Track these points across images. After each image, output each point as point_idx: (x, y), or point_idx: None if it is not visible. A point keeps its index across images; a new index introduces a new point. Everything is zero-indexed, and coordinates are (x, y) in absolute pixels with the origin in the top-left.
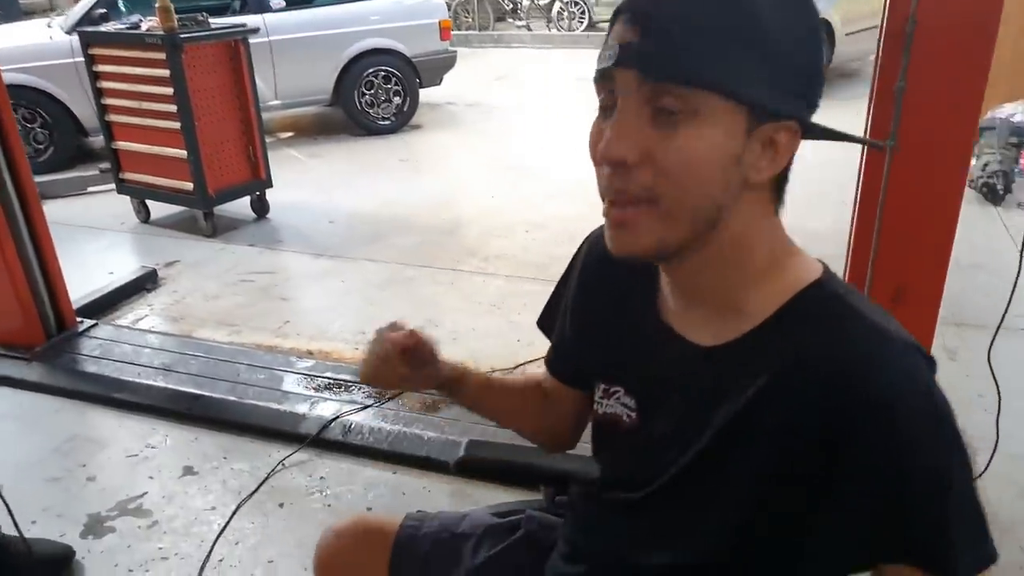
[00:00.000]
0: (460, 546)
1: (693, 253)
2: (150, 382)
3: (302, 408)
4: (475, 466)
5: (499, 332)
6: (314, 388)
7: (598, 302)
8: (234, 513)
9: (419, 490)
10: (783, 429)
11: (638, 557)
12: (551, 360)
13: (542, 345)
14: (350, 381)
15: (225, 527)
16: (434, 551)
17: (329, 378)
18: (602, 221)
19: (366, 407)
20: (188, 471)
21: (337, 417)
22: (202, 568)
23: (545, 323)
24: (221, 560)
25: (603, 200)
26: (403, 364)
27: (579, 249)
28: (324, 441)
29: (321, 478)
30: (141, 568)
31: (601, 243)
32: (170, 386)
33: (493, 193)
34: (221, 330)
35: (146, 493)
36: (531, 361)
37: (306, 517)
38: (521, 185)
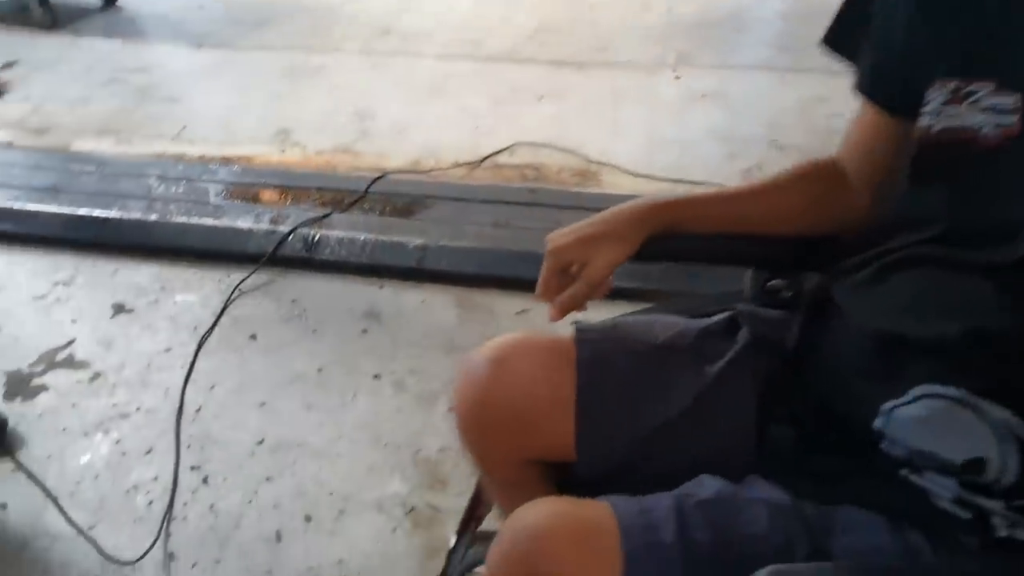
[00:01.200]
0: (666, 359)
1: None
2: (36, 207)
3: (245, 223)
4: (667, 252)
5: (451, 120)
6: (251, 198)
7: None
8: (197, 352)
9: (418, 304)
10: None
11: None
12: (867, 83)
13: (506, 134)
14: (291, 187)
15: (191, 371)
16: (638, 369)
17: (266, 184)
18: None
19: (326, 216)
20: (120, 309)
21: (295, 229)
22: (178, 422)
23: (839, 39)
24: (199, 410)
25: None
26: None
27: None
28: (283, 259)
29: (293, 301)
30: (99, 429)
31: None
32: (64, 210)
33: None
34: (104, 140)
35: (74, 340)
36: (498, 152)
37: (291, 346)
38: None
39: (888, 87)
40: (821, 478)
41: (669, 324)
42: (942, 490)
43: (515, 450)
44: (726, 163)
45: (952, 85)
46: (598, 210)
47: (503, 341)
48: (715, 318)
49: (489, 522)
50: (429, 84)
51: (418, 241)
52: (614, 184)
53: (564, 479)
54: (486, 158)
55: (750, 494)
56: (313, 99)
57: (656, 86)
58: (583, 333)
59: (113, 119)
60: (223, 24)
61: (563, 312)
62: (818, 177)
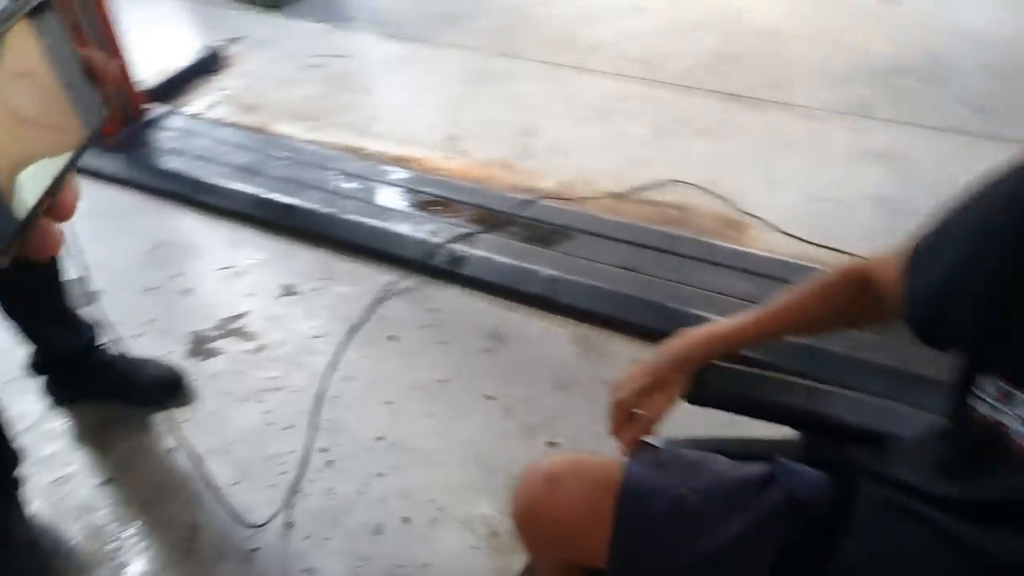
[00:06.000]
0: (703, 509)
1: None
2: (237, 186)
3: (404, 228)
4: (710, 399)
5: (606, 146)
6: (413, 205)
7: None
8: (346, 344)
9: (540, 333)
10: None
11: None
12: (908, 307)
13: (661, 168)
14: (449, 199)
15: (337, 360)
16: (672, 513)
17: (428, 195)
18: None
19: (475, 233)
20: (288, 291)
21: (446, 243)
22: (318, 405)
23: (921, 256)
24: (336, 397)
25: None
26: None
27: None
28: (431, 268)
29: (430, 310)
30: (255, 398)
31: None
32: (259, 192)
33: None
34: (299, 125)
35: (248, 313)
36: (648, 188)
37: (419, 355)
38: None
39: (921, 326)
40: None
41: (715, 469)
42: None
43: (559, 555)
44: (885, 235)
45: (1004, 387)
46: (729, 268)
47: (560, 460)
48: (756, 469)
49: None
50: (596, 104)
51: (551, 271)
52: (758, 241)
53: None
54: (635, 190)
55: None
56: (486, 106)
57: (828, 135)
58: (631, 465)
59: (310, 105)
60: (417, 15)
61: (631, 447)
62: (850, 288)
